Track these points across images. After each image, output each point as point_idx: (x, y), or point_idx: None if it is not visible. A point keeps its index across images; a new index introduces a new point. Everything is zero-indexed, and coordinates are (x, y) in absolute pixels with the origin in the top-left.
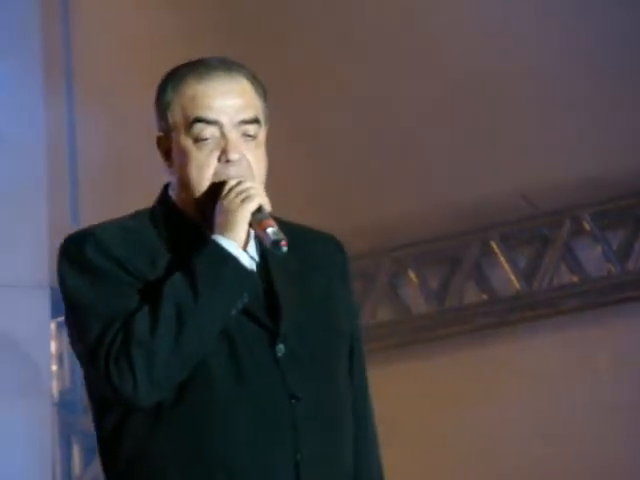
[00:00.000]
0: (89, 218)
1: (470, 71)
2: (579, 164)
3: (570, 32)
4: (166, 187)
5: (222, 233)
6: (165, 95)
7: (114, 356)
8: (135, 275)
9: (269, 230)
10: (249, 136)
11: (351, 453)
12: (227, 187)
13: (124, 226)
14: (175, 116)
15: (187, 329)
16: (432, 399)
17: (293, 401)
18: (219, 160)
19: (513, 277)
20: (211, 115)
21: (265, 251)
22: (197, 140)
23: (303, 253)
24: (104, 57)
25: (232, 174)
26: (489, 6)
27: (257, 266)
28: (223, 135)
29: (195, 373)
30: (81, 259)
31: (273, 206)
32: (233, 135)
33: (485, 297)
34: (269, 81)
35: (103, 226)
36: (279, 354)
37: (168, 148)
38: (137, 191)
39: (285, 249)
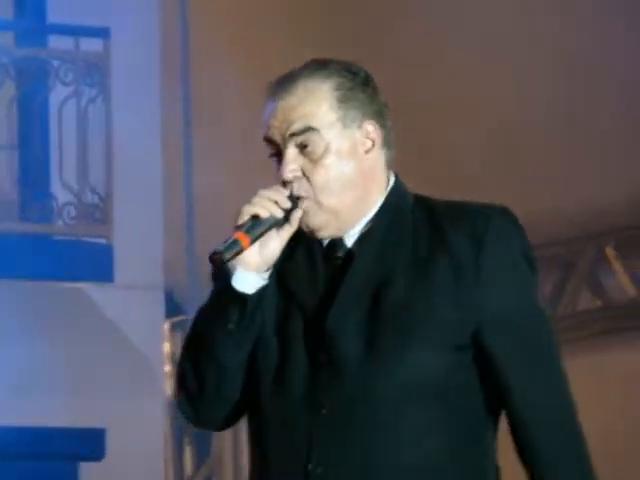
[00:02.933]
0: (204, 221)
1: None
2: None
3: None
4: None
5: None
6: None
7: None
8: None
9: (225, 241)
10: (305, 147)
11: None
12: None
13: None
14: None
15: (198, 351)
16: None
17: (322, 410)
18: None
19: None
20: (268, 134)
21: (353, 250)
22: (270, 156)
23: (424, 242)
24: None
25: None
26: None
27: (340, 256)
28: (281, 154)
29: (253, 382)
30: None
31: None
32: (287, 152)
33: (599, 303)
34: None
35: None
36: (320, 360)
37: None
38: None
39: (218, 263)
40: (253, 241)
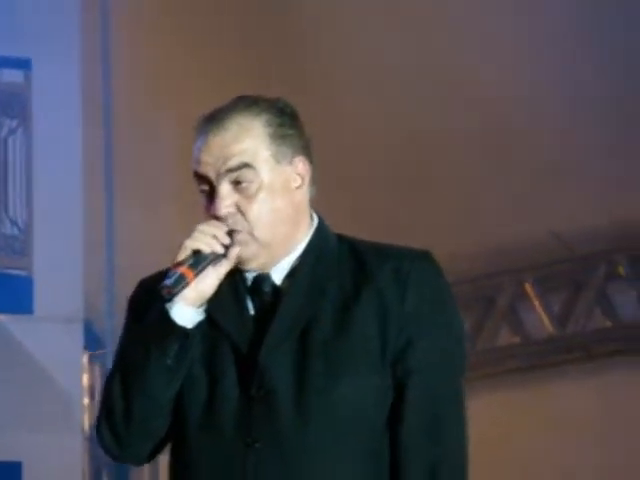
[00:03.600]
0: (123, 254)
1: (505, 112)
2: (616, 209)
3: (601, 81)
4: None
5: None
6: None
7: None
8: None
9: (169, 275)
10: (239, 183)
11: None
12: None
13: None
14: None
15: (130, 387)
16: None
17: (256, 444)
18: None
19: (546, 320)
20: (199, 169)
21: (296, 272)
22: (201, 192)
23: (361, 284)
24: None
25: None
26: None
27: (268, 293)
28: (213, 188)
29: (178, 418)
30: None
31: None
32: (221, 188)
33: (518, 339)
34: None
35: (151, 275)
36: (253, 394)
37: None
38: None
39: (167, 297)
40: (196, 275)
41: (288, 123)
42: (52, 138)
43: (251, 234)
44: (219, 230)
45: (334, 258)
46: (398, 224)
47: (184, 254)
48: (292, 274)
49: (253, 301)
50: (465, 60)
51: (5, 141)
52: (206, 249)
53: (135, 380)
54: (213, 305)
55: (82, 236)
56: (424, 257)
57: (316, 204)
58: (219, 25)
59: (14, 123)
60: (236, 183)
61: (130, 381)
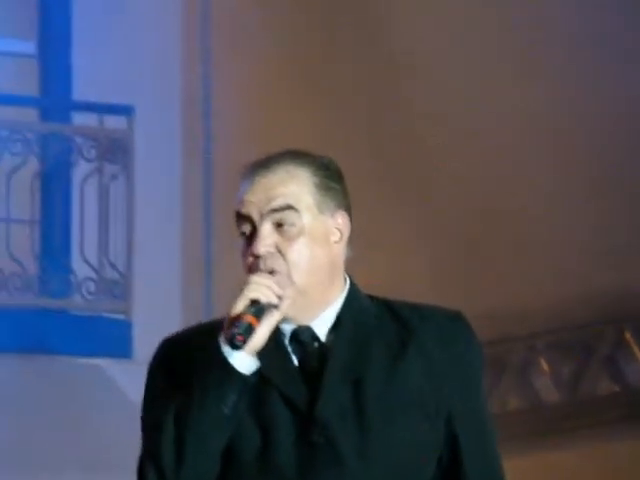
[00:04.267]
0: (221, 299)
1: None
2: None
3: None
4: None
5: (223, 332)
6: None
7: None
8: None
9: (237, 324)
10: (281, 225)
11: None
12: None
13: (206, 330)
14: None
15: (184, 437)
16: None
17: None
18: (251, 255)
19: None
20: (242, 209)
21: (337, 329)
22: (240, 233)
23: (406, 343)
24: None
25: (260, 268)
26: None
27: (315, 346)
28: (255, 229)
29: (231, 461)
30: (149, 366)
31: (395, 288)
32: (263, 227)
33: (617, 389)
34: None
35: (186, 330)
36: (314, 444)
37: None
38: None
39: (239, 345)
40: (260, 324)
41: (334, 178)
42: (153, 184)
43: (289, 276)
44: (272, 281)
45: (372, 315)
46: (495, 269)
47: (243, 304)
48: (334, 328)
49: (295, 352)
50: None
51: (107, 187)
52: (263, 299)
53: (189, 427)
54: (258, 354)
55: (181, 281)
56: (461, 317)
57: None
58: (331, 66)
59: (116, 169)
60: (278, 225)
61: (183, 428)
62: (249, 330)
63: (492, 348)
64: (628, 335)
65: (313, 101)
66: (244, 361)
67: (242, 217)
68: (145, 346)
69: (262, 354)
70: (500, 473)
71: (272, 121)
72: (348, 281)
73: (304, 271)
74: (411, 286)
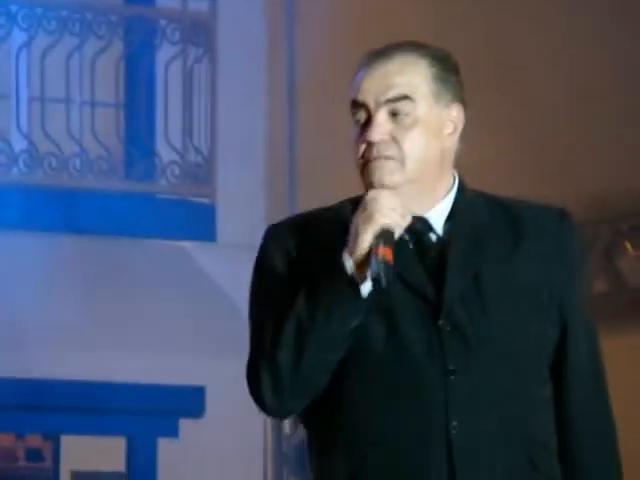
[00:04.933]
0: (305, 181)
1: None
2: None
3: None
4: None
5: (349, 252)
6: None
7: (251, 370)
8: (300, 274)
9: (378, 260)
10: (396, 114)
11: (530, 422)
12: (368, 196)
13: (307, 220)
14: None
15: (305, 347)
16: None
17: (451, 377)
18: (365, 141)
19: None
20: (358, 96)
21: (456, 222)
22: (354, 120)
23: (511, 234)
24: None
25: (371, 156)
26: None
27: (431, 236)
28: (370, 116)
29: (355, 348)
30: (259, 256)
31: (484, 174)
32: (379, 115)
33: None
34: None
35: (291, 221)
36: (441, 329)
37: None
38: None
39: (384, 285)
40: (394, 253)
41: (451, 69)
42: (237, 67)
43: (402, 163)
44: (397, 201)
45: (485, 209)
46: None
47: (374, 231)
48: (449, 220)
49: (411, 242)
50: None
51: (191, 69)
52: (393, 225)
53: (310, 342)
54: None
55: (264, 164)
56: (568, 216)
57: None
58: None
59: (200, 51)
60: (393, 114)
61: (304, 342)
62: (390, 268)
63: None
64: None
65: None
66: (368, 286)
67: (357, 104)
68: (229, 229)
69: None
70: (601, 364)
71: (360, 8)
72: (457, 176)
73: (417, 160)
74: (487, 175)
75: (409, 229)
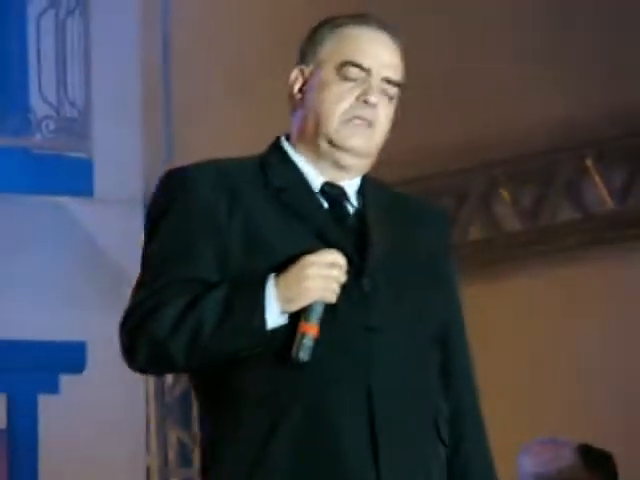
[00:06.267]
0: (181, 132)
1: None
2: None
3: None
4: (278, 138)
5: (281, 290)
6: (322, 31)
7: (130, 324)
8: (210, 234)
9: (303, 339)
10: (387, 95)
11: (434, 392)
12: (322, 256)
13: (223, 171)
14: (327, 52)
15: (198, 349)
16: (523, 316)
17: (372, 334)
18: (357, 99)
19: (607, 195)
20: (365, 61)
21: (366, 197)
22: (343, 78)
23: (407, 215)
24: None
25: (364, 114)
26: None
27: (353, 212)
28: (368, 80)
29: None
30: (168, 199)
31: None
32: (377, 84)
33: (578, 215)
34: None
35: (200, 169)
36: (363, 287)
37: (304, 81)
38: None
39: (303, 361)
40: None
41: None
42: (110, 19)
43: (372, 132)
44: (339, 272)
45: (384, 192)
46: (458, 101)
47: (316, 299)
48: (359, 194)
49: (330, 206)
50: None
51: (64, 22)
52: (330, 301)
53: (203, 335)
54: (292, 195)
55: (141, 117)
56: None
57: None
58: None
59: (72, 3)
60: (383, 91)
61: (201, 341)
62: (313, 347)
63: (453, 178)
64: (589, 162)
65: None
66: (276, 323)
67: (358, 66)
68: (105, 183)
69: (295, 194)
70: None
71: None
72: None
73: (383, 137)
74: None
75: (327, 194)
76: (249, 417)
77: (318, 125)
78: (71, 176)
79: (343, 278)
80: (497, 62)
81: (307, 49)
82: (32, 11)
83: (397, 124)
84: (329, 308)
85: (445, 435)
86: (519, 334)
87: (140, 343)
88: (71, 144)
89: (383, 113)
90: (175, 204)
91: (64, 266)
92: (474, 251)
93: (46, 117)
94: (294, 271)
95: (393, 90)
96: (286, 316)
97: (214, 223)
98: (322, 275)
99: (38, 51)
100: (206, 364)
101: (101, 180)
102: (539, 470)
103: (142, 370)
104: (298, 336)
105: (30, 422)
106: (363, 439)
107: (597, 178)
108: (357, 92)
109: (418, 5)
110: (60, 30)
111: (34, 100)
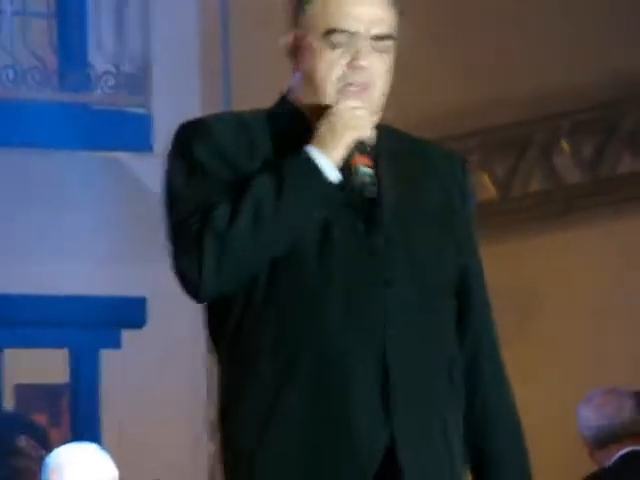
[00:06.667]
0: (240, 86)
1: None
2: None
3: None
4: (287, 91)
5: (320, 147)
6: None
7: (187, 242)
8: (236, 173)
9: (361, 169)
10: (379, 51)
11: (449, 341)
12: (344, 105)
13: (241, 121)
14: (313, 17)
15: (263, 226)
16: (583, 268)
17: (386, 286)
18: (348, 65)
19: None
20: (350, 25)
21: (377, 153)
22: (331, 45)
23: (423, 163)
24: None
25: (357, 79)
26: None
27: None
28: (356, 43)
29: (289, 256)
30: (187, 148)
31: (420, 77)
32: (365, 44)
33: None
34: None
35: (219, 118)
36: (376, 243)
37: (297, 45)
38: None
39: (372, 193)
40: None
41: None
42: None
43: (376, 97)
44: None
45: (395, 136)
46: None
47: (354, 140)
48: (377, 141)
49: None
50: None
51: None
52: (368, 136)
53: (271, 221)
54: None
55: (200, 72)
56: (469, 165)
57: None
58: None
59: None
60: (375, 49)
61: (265, 219)
62: (372, 176)
63: (515, 130)
64: None
65: None
66: (335, 177)
67: (343, 32)
68: (165, 139)
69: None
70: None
71: None
72: None
73: (382, 95)
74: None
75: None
76: (262, 367)
77: (316, 92)
78: (130, 132)
79: (368, 113)
80: (571, 17)
81: (295, 8)
82: None
83: (467, 75)
84: (343, 258)
85: (459, 383)
86: (580, 285)
87: (204, 248)
88: (130, 99)
89: (378, 71)
90: (198, 145)
91: (125, 221)
92: (534, 203)
93: (105, 73)
94: (323, 128)
95: (386, 44)
96: (338, 172)
97: (237, 162)
98: (349, 117)
99: (97, 6)
100: (273, 247)
101: (160, 135)
102: (602, 422)
103: (209, 291)
104: (353, 169)
105: (93, 377)
106: (375, 389)
107: None
108: (347, 57)
109: None
110: None
111: (93, 56)
